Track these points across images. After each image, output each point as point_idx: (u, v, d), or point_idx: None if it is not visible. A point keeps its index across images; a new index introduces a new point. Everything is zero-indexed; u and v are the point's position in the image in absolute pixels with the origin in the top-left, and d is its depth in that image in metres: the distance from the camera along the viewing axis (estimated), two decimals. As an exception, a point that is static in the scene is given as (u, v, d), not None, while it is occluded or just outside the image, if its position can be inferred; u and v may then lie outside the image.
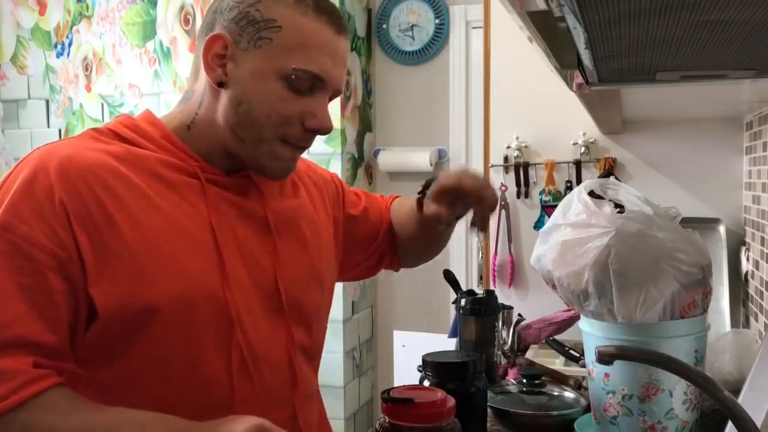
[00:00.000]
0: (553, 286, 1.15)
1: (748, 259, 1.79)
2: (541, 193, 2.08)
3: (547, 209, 2.06)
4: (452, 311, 2.46)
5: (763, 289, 1.58)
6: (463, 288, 1.50)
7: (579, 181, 2.01)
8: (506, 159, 2.11)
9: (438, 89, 3.19)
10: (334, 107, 2.82)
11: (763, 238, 1.60)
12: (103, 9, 3.21)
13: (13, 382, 0.79)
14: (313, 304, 1.07)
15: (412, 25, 3.19)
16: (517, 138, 2.09)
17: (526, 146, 2.09)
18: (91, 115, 3.27)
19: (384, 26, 3.23)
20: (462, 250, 3.14)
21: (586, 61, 0.81)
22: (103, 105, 3.25)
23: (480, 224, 1.10)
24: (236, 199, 0.98)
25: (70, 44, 3.29)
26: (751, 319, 1.74)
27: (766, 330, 1.53)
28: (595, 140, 2.02)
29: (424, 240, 1.27)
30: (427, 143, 3.19)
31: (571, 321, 1.55)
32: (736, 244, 1.87)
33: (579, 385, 1.38)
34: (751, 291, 1.74)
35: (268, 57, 0.92)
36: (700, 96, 1.43)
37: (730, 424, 0.77)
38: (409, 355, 3.00)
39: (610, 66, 0.86)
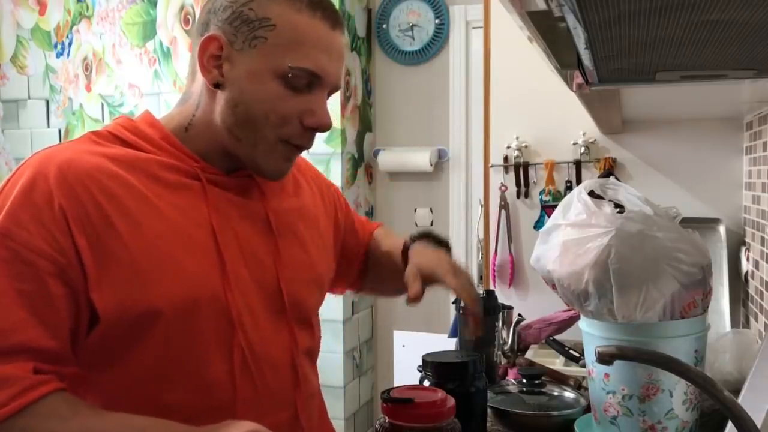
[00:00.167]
0: (553, 286, 1.15)
1: (748, 259, 1.79)
2: (541, 193, 2.08)
3: (547, 209, 2.06)
4: (452, 311, 2.46)
5: (763, 289, 1.58)
6: (463, 288, 1.49)
7: (579, 181, 2.01)
8: (506, 159, 2.11)
9: (438, 89, 3.19)
10: (334, 107, 2.82)
11: (763, 238, 1.60)
12: (103, 9, 3.21)
13: (13, 389, 0.79)
14: (312, 304, 1.07)
15: (412, 25, 3.19)
16: (517, 138, 2.09)
17: (526, 146, 2.09)
18: (91, 115, 3.27)
19: (384, 26, 3.23)
20: (462, 250, 3.14)
21: (586, 61, 0.81)
22: (103, 105, 3.25)
23: (473, 328, 1.10)
24: (237, 199, 0.98)
25: (70, 44, 3.29)
26: (751, 319, 1.74)
27: (766, 330, 1.53)
28: (595, 140, 2.02)
29: (390, 283, 1.26)
30: (427, 143, 3.19)
31: (571, 321, 1.55)
32: (736, 244, 1.87)
33: (579, 385, 1.38)
34: (751, 291, 1.74)
35: (263, 56, 0.91)
36: (700, 96, 1.43)
37: (730, 424, 0.77)
38: (409, 355, 3.01)
39: (610, 66, 0.86)
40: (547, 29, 0.80)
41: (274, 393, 0.97)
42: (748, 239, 1.81)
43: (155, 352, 0.88)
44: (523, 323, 1.60)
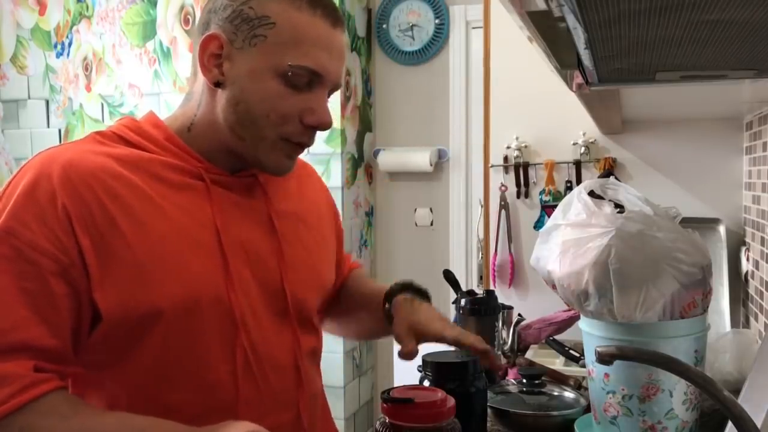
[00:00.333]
0: (553, 287, 1.15)
1: (748, 259, 1.79)
2: (541, 193, 2.08)
3: (547, 209, 2.06)
4: (452, 311, 2.46)
5: (763, 289, 1.58)
6: (463, 288, 1.50)
7: (579, 181, 2.01)
8: (506, 159, 2.11)
9: (438, 89, 3.19)
10: (334, 107, 2.82)
11: (763, 238, 1.60)
12: (103, 9, 3.21)
13: (13, 386, 0.79)
14: (315, 306, 1.07)
15: (412, 25, 3.19)
16: (517, 138, 2.09)
17: (526, 146, 2.09)
18: (91, 115, 3.27)
19: (384, 26, 3.23)
20: (462, 250, 3.14)
21: (586, 61, 0.81)
22: (103, 105, 3.25)
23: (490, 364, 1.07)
24: (241, 199, 0.98)
25: (70, 44, 3.29)
26: (751, 319, 1.74)
27: (766, 330, 1.53)
28: (595, 140, 2.02)
29: (357, 324, 1.24)
30: (427, 143, 3.19)
31: (571, 321, 1.55)
32: (736, 244, 1.87)
33: (579, 385, 1.38)
34: (751, 291, 1.74)
35: (263, 55, 0.91)
36: (700, 96, 1.43)
37: (730, 424, 0.77)
38: (409, 355, 3.00)
39: (610, 66, 0.86)
40: (547, 29, 0.80)
41: (277, 394, 0.97)
42: (748, 239, 1.81)
43: (157, 352, 0.88)
44: (523, 323, 1.60)
